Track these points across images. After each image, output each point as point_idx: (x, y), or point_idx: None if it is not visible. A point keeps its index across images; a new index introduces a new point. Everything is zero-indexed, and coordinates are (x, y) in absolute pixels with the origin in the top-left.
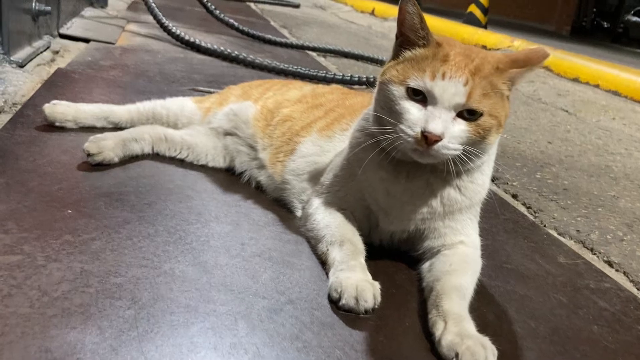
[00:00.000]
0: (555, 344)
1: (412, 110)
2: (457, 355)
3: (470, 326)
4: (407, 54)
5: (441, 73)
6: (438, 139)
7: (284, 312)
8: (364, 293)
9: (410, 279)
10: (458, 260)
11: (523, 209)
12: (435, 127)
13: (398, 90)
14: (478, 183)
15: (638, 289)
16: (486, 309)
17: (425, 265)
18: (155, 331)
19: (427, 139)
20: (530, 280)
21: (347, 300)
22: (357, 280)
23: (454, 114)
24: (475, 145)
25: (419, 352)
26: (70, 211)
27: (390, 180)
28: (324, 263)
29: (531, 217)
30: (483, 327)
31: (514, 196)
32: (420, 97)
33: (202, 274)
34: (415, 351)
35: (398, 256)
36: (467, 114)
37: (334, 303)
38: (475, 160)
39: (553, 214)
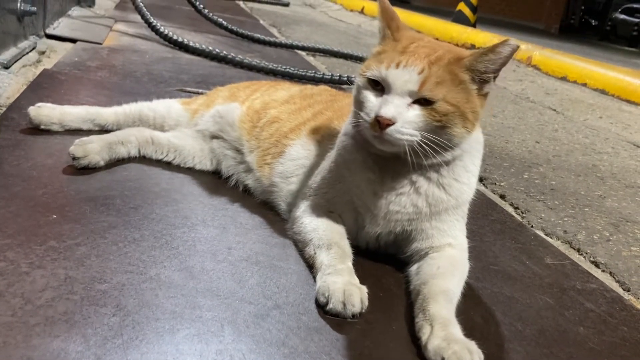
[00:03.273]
0: (542, 346)
1: (370, 98)
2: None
3: (456, 330)
4: (376, 49)
5: (396, 62)
6: (389, 122)
7: (270, 317)
8: (351, 297)
9: (397, 282)
10: (445, 264)
11: (511, 210)
12: (386, 111)
13: (361, 82)
14: (463, 181)
15: (624, 290)
16: (473, 312)
17: (413, 268)
18: (141, 338)
19: (380, 124)
20: (517, 281)
21: (334, 304)
22: (344, 285)
23: (409, 100)
24: (436, 133)
25: (406, 357)
26: (55, 216)
27: (377, 182)
28: (311, 267)
29: (519, 218)
30: (470, 330)
31: (502, 197)
32: (380, 87)
33: (188, 279)
34: (402, 355)
35: (385, 259)
36: (425, 102)
37: (322, 307)
38: (443, 153)
39: (540, 214)
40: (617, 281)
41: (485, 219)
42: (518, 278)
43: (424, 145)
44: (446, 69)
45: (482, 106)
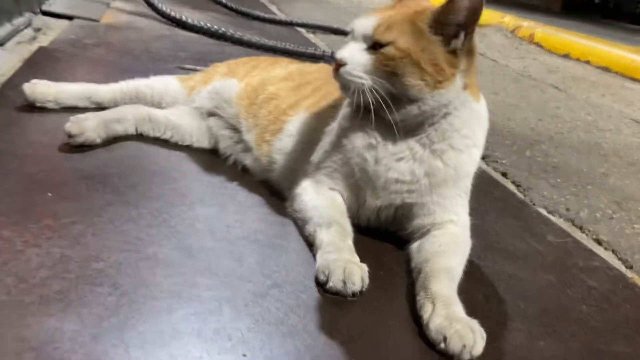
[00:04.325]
0: (544, 324)
1: (341, 46)
2: (445, 339)
3: (458, 309)
4: None
5: (366, 15)
6: (341, 63)
7: (269, 296)
8: (351, 275)
9: (398, 260)
10: (447, 241)
11: (512, 188)
12: (339, 53)
13: (347, 38)
14: (460, 149)
15: (626, 267)
16: (475, 290)
17: (414, 246)
18: (137, 318)
19: (335, 65)
20: (519, 259)
21: (334, 282)
22: (344, 263)
23: (364, 45)
24: (389, 81)
25: (407, 336)
26: (50, 194)
27: (377, 148)
28: (311, 245)
29: (521, 196)
30: (472, 309)
31: (504, 174)
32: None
33: (186, 258)
34: (403, 334)
35: (386, 237)
36: (379, 46)
37: (321, 286)
38: (406, 107)
39: (543, 192)
40: (620, 259)
41: (486, 197)
42: (520, 256)
43: (378, 93)
44: (406, 17)
45: (456, 66)
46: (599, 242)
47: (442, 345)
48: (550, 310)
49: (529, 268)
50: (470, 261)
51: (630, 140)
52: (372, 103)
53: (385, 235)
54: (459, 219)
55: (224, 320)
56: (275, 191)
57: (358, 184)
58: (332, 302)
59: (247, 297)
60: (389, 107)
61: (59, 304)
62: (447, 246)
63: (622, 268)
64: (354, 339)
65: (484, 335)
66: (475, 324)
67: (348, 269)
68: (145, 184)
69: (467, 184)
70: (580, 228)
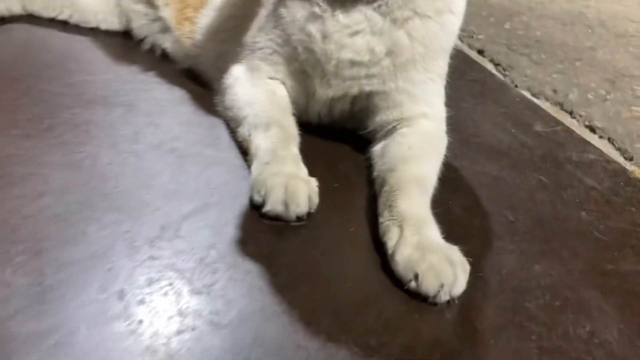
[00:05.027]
0: (539, 240)
1: None
2: (416, 276)
3: (433, 232)
4: None
5: None
6: None
7: (187, 226)
8: (295, 195)
9: (357, 168)
10: (419, 142)
11: (491, 67)
12: None
13: None
14: (427, 16)
15: (626, 159)
16: (452, 201)
17: (377, 149)
18: None
19: None
20: (504, 156)
21: (273, 205)
22: (286, 178)
23: None
24: None
25: (368, 270)
26: None
27: (325, 19)
28: (245, 153)
29: (500, 76)
30: (449, 226)
31: (480, 52)
32: None
33: (74, 177)
34: (363, 268)
35: (342, 138)
36: None
37: (257, 209)
38: None
39: (525, 71)
40: (618, 149)
41: (461, 80)
42: (504, 151)
43: None
44: None
45: None
46: (592, 129)
47: (413, 284)
48: (544, 221)
49: (515, 167)
50: (444, 163)
51: (616, 8)
52: None
53: (341, 136)
54: (433, 111)
55: (116, 267)
56: (202, 84)
57: (304, 70)
58: (271, 229)
59: (154, 230)
60: None
61: None
62: (418, 148)
63: (621, 160)
64: (296, 282)
65: (467, 267)
66: (455, 252)
67: (291, 186)
68: (31, 79)
69: (441, 64)
70: (571, 113)
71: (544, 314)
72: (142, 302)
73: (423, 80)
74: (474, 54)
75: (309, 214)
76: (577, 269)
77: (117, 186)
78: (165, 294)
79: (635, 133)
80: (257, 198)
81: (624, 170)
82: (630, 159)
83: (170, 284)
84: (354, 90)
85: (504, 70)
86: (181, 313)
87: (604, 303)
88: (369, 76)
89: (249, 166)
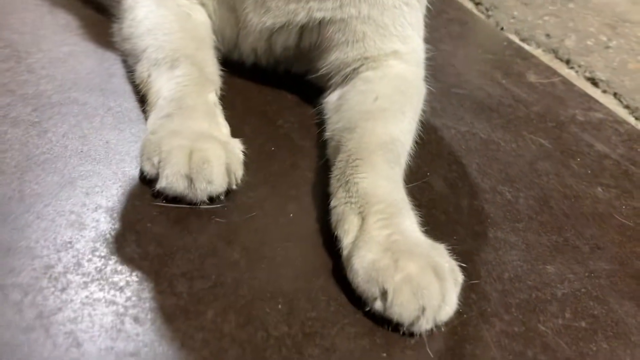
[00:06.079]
0: (547, 228)
1: None
2: (384, 294)
3: (408, 223)
4: None
5: None
6: None
7: (26, 217)
8: (204, 165)
9: (303, 125)
10: (388, 90)
11: (471, 6)
12: None
13: None
14: None
15: (637, 119)
16: (432, 173)
17: (332, 99)
18: None
19: None
20: (495, 113)
21: (170, 179)
22: (192, 139)
23: None
24: None
25: (309, 282)
26: None
27: None
28: (144, 101)
29: (483, 17)
30: (429, 210)
31: None
32: None
33: None
34: (303, 279)
35: (285, 84)
36: None
37: (148, 184)
38: None
39: (512, 11)
40: (626, 106)
41: (439, 19)
42: (495, 107)
43: None
44: None
45: None
46: (594, 82)
47: (379, 304)
48: (552, 201)
49: (509, 127)
50: (422, 121)
51: None
52: None
53: (283, 81)
54: (407, 48)
55: None
56: (98, 6)
57: None
58: (164, 219)
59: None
60: None
61: None
62: (387, 99)
63: (632, 120)
64: (200, 303)
65: (459, 277)
66: (441, 255)
67: (199, 151)
68: None
69: None
70: (567, 62)
71: (566, 341)
72: None
73: (395, 4)
74: None
75: (227, 192)
76: (602, 269)
77: None
78: None
79: None
80: (149, 168)
81: (638, 134)
82: None
83: None
84: (301, 18)
85: (487, 10)
86: None
87: None
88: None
89: (145, 119)
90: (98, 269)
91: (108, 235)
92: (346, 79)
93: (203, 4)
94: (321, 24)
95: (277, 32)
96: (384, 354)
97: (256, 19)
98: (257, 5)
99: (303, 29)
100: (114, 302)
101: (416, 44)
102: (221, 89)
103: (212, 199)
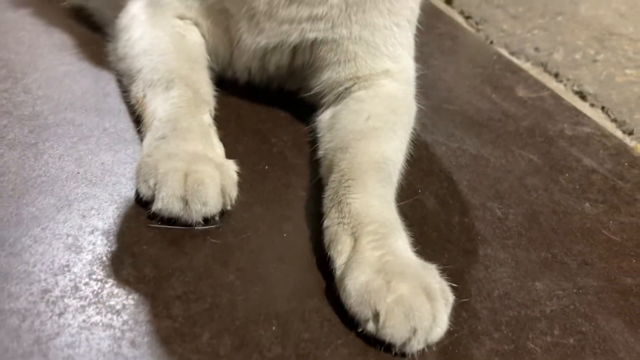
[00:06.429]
0: (537, 244)
1: None
2: (377, 315)
3: (401, 243)
4: None
5: None
6: None
7: (23, 241)
8: (200, 187)
9: (296, 144)
10: (380, 110)
11: (461, 20)
12: None
13: None
14: None
15: (624, 133)
16: (423, 189)
17: (324, 118)
18: None
19: None
20: (485, 128)
21: (165, 201)
22: (188, 162)
23: None
24: None
25: (302, 302)
26: None
27: None
28: (138, 121)
29: (473, 31)
30: (420, 228)
31: (448, 1)
32: None
33: None
34: (297, 298)
35: (279, 103)
36: None
37: (144, 206)
38: None
39: (502, 25)
40: (614, 120)
41: (429, 34)
42: (485, 123)
43: None
44: None
45: None
46: (582, 95)
47: (371, 325)
48: (541, 217)
49: (499, 142)
50: (413, 139)
51: None
52: None
53: (276, 99)
54: (399, 67)
55: None
56: (92, 27)
57: (226, 9)
58: (159, 240)
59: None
60: None
61: None
62: (379, 119)
63: (619, 133)
64: (195, 325)
65: (450, 297)
66: (433, 275)
67: (194, 173)
68: None
69: (410, 3)
70: (556, 76)
71: (555, 359)
72: None
73: (386, 25)
74: (441, 4)
75: (222, 212)
76: (590, 285)
77: None
78: None
79: (633, 101)
80: (145, 190)
81: (625, 148)
82: (630, 133)
83: None
84: (294, 38)
85: (477, 24)
86: None
87: (631, 337)
88: (313, 18)
89: (141, 140)
90: (95, 292)
91: (104, 258)
92: (339, 98)
93: (197, 24)
94: (314, 44)
95: (270, 51)
96: None
97: (250, 39)
98: (251, 25)
99: (296, 49)
100: (111, 326)
101: (407, 63)
102: (215, 109)
103: (206, 220)
